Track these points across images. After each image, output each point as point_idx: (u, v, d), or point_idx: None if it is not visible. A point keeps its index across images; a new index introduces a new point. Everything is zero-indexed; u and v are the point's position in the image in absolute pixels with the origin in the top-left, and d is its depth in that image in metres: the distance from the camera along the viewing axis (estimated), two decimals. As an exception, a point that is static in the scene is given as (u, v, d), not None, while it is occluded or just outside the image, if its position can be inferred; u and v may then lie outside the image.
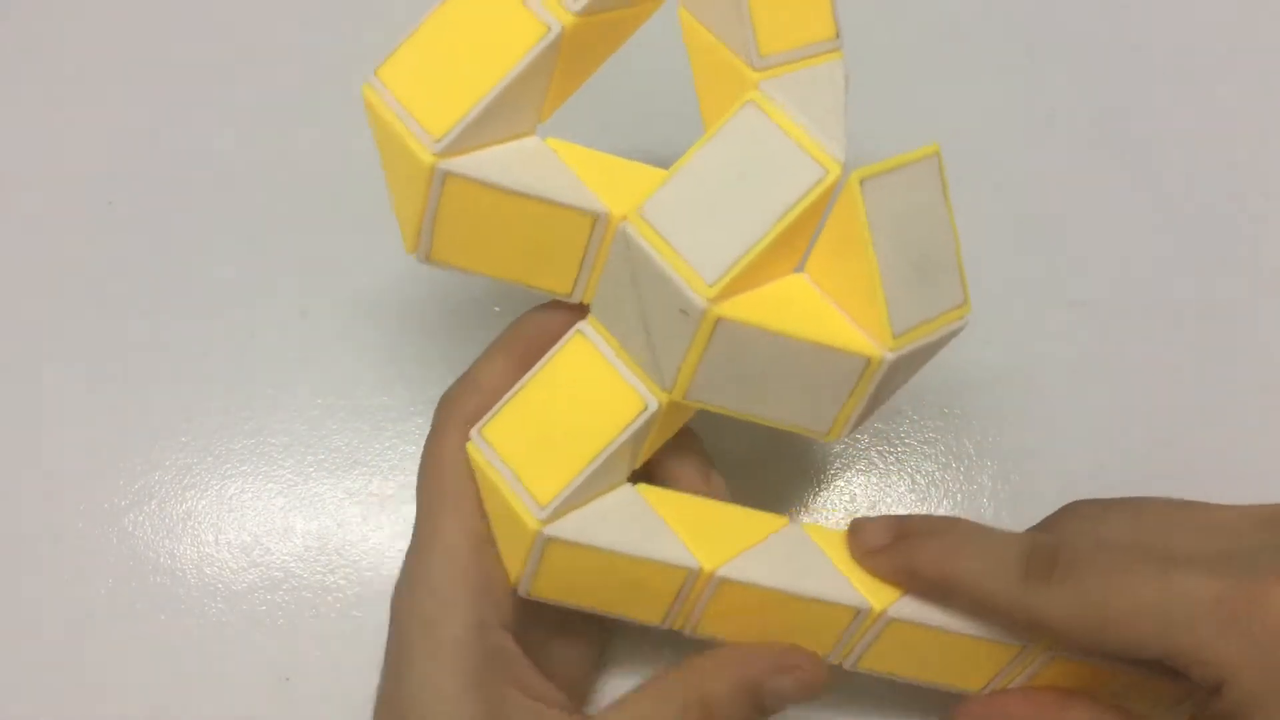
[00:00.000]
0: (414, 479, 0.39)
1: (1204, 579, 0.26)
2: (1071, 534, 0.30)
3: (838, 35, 0.29)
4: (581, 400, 0.29)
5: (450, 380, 0.40)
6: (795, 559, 0.31)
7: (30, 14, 0.46)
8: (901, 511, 0.39)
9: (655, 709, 0.29)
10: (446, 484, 0.30)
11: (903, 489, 0.40)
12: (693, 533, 0.30)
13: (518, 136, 0.29)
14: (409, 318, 0.41)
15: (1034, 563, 0.28)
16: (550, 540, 0.29)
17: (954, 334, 0.28)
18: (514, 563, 0.30)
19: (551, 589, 0.30)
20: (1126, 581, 0.27)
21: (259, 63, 0.46)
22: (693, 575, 0.29)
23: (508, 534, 0.30)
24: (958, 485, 0.40)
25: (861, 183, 0.27)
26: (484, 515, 0.30)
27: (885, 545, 0.30)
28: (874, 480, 0.39)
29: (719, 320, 0.27)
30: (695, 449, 0.33)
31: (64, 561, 0.38)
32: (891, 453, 0.40)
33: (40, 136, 0.44)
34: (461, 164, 0.27)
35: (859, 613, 0.30)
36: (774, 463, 0.39)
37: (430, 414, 0.40)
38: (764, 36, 0.28)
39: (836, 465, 0.39)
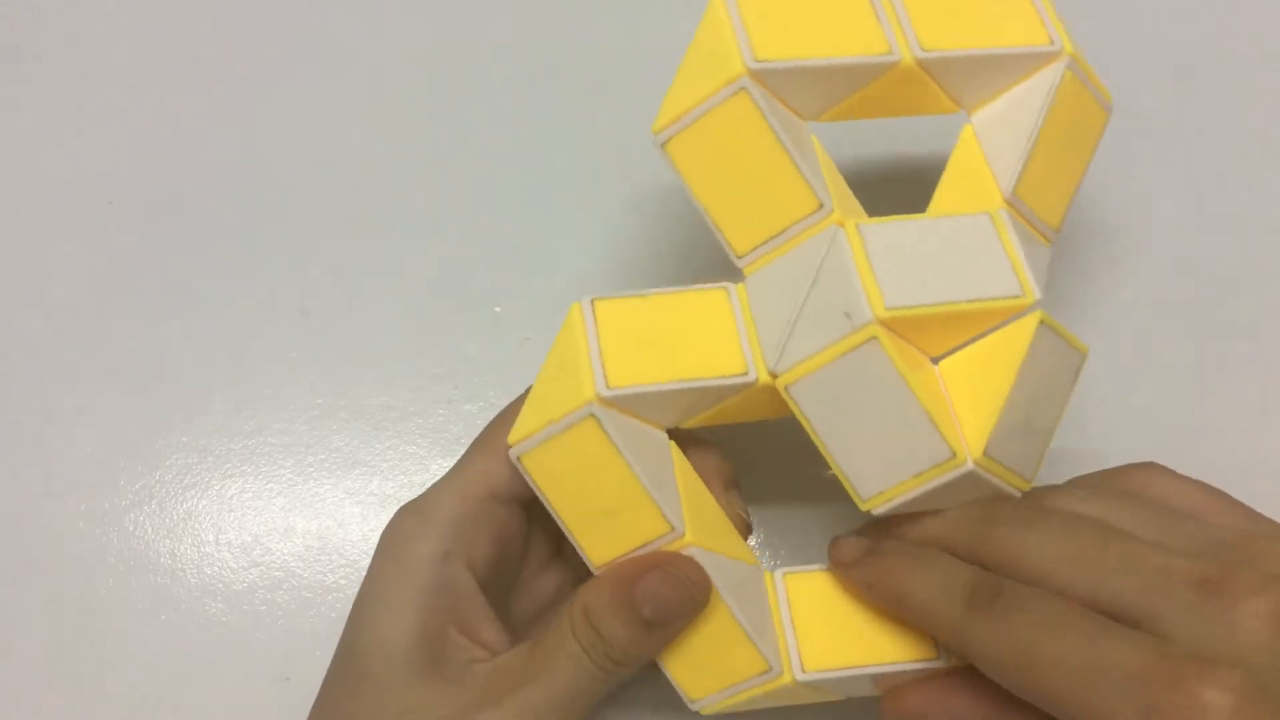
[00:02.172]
0: (414, 479, 0.39)
1: (1131, 649, 0.26)
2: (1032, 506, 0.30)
3: (1058, 230, 0.33)
4: (694, 334, 0.31)
5: (449, 381, 0.40)
6: (749, 592, 0.31)
7: (31, 15, 0.46)
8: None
9: (551, 634, 0.30)
10: (491, 435, 0.32)
11: (903, 489, 0.40)
12: (690, 505, 0.31)
13: (796, 113, 0.32)
14: (409, 318, 0.41)
15: (978, 595, 0.28)
16: (590, 416, 0.29)
17: (994, 495, 0.30)
18: (535, 421, 0.30)
19: (542, 468, 0.30)
20: (1057, 635, 0.27)
21: (259, 62, 0.46)
22: (671, 535, 0.30)
23: (550, 393, 0.31)
24: (958, 485, 0.40)
25: (1041, 323, 0.29)
26: (509, 471, 0.31)
27: (856, 560, 0.31)
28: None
29: (872, 338, 0.28)
30: (725, 467, 0.34)
31: (64, 561, 0.38)
32: (891, 453, 0.40)
33: (40, 136, 0.44)
34: (760, 94, 0.30)
35: (770, 669, 0.31)
36: (776, 459, 0.39)
37: (430, 414, 0.40)
38: (1023, 185, 0.32)
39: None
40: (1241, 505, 0.30)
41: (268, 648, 0.37)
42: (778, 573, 0.32)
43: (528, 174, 0.44)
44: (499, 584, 0.32)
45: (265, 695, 0.36)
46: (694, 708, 0.31)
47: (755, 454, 0.36)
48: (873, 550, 0.31)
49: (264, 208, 0.43)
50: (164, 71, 0.45)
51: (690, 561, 0.30)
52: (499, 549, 0.32)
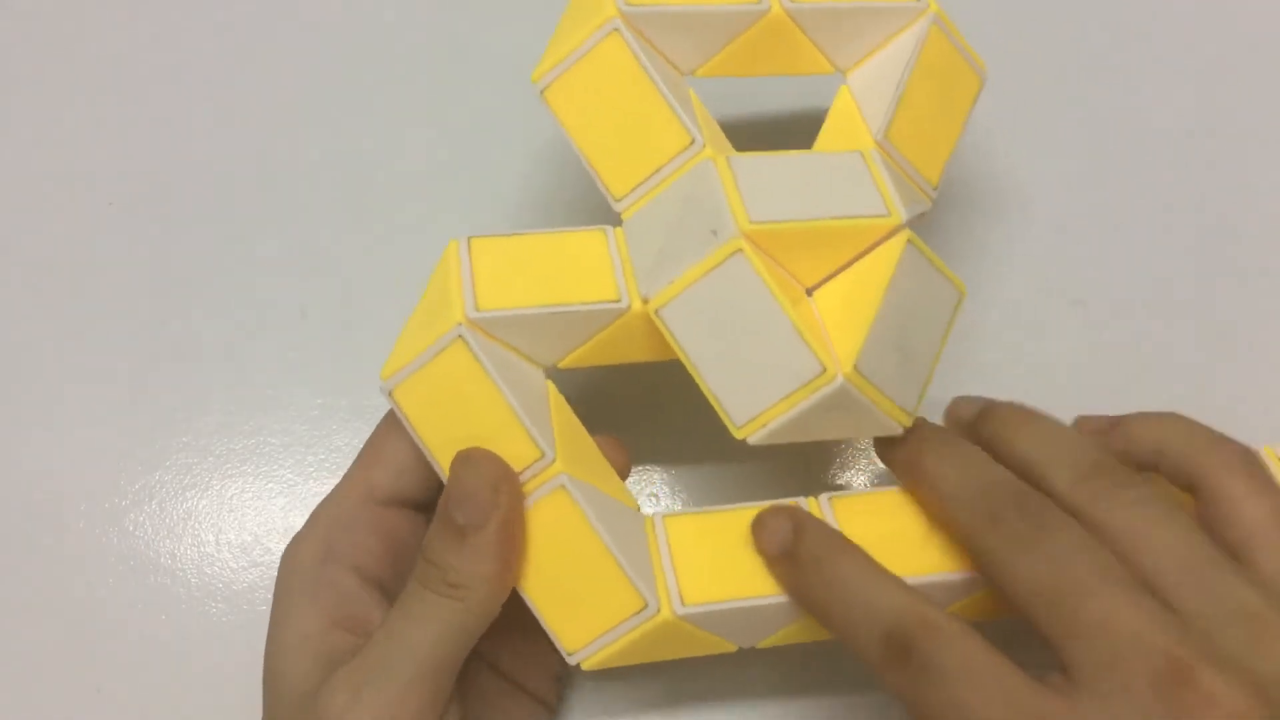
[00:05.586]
0: (413, 479, 0.39)
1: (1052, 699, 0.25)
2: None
3: (936, 187, 0.33)
4: (568, 266, 0.31)
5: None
6: (625, 530, 0.30)
7: (30, 14, 0.46)
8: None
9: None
10: (370, 442, 0.32)
11: (902, 489, 0.40)
12: (563, 437, 0.30)
13: (674, 65, 0.33)
14: (409, 318, 0.41)
15: (891, 647, 0.27)
16: (459, 338, 0.29)
17: (880, 431, 0.30)
18: (406, 354, 0.30)
19: (413, 400, 0.30)
20: (969, 698, 0.26)
21: (259, 63, 0.46)
22: (541, 463, 0.29)
23: (423, 325, 0.30)
24: (957, 485, 0.40)
25: (909, 243, 0.29)
26: (389, 471, 0.31)
27: (781, 553, 0.30)
28: (873, 480, 0.39)
29: (737, 251, 0.28)
30: (623, 458, 0.33)
31: (64, 561, 0.38)
32: (891, 453, 0.40)
33: (40, 137, 0.44)
34: (631, 36, 0.31)
35: (647, 606, 0.29)
36: (772, 461, 0.39)
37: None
38: (894, 130, 0.32)
39: (835, 464, 0.39)
40: None
41: (268, 648, 0.37)
42: (656, 516, 0.31)
43: (528, 176, 0.44)
44: (403, 581, 0.32)
45: (265, 695, 0.36)
46: (572, 661, 0.29)
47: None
48: (794, 553, 0.29)
49: (264, 208, 0.43)
50: (164, 72, 0.46)
51: (487, 453, 0.29)
52: (388, 546, 0.32)
